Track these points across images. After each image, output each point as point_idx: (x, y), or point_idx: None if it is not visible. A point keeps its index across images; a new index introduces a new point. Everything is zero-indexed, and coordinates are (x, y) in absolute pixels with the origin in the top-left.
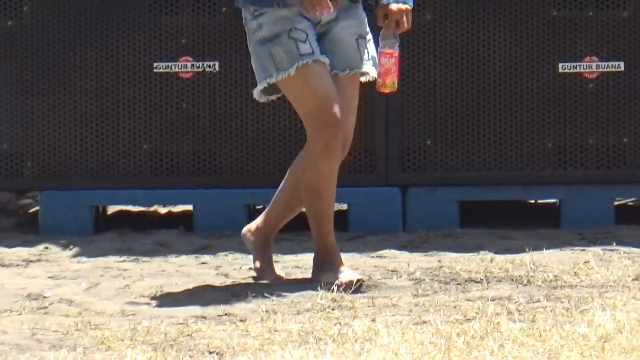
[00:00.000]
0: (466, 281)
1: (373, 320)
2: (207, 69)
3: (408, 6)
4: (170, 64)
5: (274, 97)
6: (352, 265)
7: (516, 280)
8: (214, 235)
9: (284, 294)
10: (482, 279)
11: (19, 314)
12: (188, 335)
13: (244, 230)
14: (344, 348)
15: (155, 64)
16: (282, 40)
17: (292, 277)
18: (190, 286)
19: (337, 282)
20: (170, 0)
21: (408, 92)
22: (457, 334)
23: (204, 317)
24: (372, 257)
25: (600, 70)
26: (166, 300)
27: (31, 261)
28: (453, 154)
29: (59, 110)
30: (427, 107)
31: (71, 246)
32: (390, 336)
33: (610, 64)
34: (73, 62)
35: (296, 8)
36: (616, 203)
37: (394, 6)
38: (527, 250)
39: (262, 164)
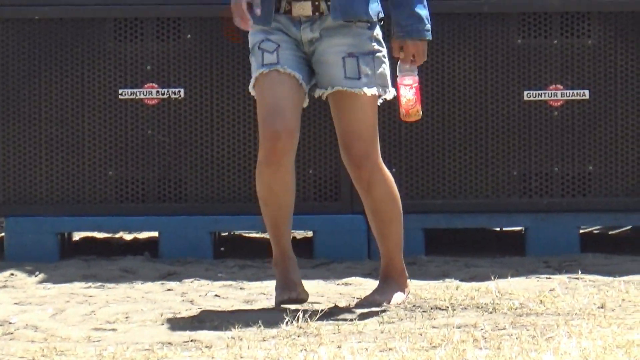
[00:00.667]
0: (432, 308)
1: (339, 347)
2: (173, 96)
3: (424, 41)
4: (135, 90)
5: None
6: (318, 293)
7: (482, 307)
8: (180, 262)
9: (250, 320)
10: (448, 307)
11: None
12: None
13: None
14: None
15: (120, 91)
16: (254, 51)
17: (258, 303)
18: (156, 312)
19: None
20: (135, 27)
21: None
22: None
23: (170, 343)
24: (338, 284)
25: (565, 98)
26: (132, 326)
27: None
28: (418, 181)
29: (24, 137)
30: (391, 134)
31: (37, 272)
32: None
33: (575, 92)
34: (38, 88)
35: (276, 23)
36: (581, 231)
37: (410, 42)
38: (492, 277)
39: (228, 191)
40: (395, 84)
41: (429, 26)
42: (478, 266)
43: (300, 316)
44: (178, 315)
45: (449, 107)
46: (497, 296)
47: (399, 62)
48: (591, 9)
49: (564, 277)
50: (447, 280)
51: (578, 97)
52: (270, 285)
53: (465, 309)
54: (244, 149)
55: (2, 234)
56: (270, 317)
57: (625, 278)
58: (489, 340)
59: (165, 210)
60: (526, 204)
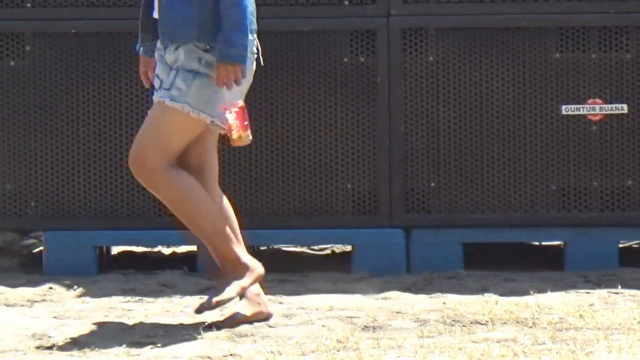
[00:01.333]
0: (471, 323)
1: None
2: None
3: (235, 65)
4: None
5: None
6: (357, 307)
7: (521, 322)
8: (217, 276)
9: (289, 334)
10: (487, 321)
11: (24, 354)
12: None
13: None
14: None
15: None
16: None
17: (296, 318)
18: (195, 327)
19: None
20: None
21: (411, 133)
22: None
23: (209, 358)
24: (377, 298)
25: (604, 112)
26: (171, 340)
27: (35, 301)
28: (457, 195)
29: (62, 150)
30: (430, 148)
31: (75, 286)
32: None
33: (613, 106)
34: (76, 101)
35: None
36: (620, 245)
37: (220, 65)
38: (531, 292)
39: (267, 206)
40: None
41: (242, 52)
42: (517, 281)
43: (339, 330)
44: (217, 329)
45: (488, 121)
46: (536, 311)
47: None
48: (629, 23)
49: (603, 292)
50: (486, 294)
51: (616, 111)
52: (309, 300)
53: (505, 323)
54: (282, 163)
55: (41, 248)
56: (309, 331)
57: None
58: (529, 355)
59: None
60: (565, 219)
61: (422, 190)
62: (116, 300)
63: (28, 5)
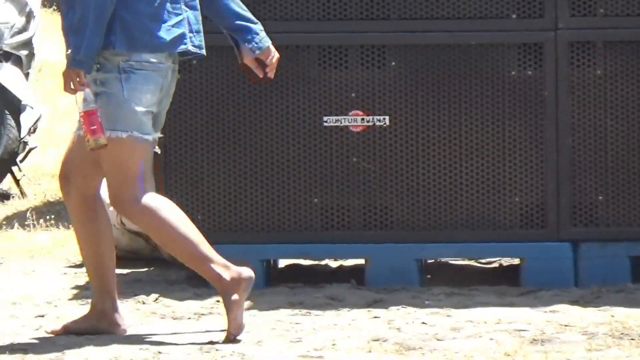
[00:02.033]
0: None
1: None
2: (378, 123)
3: (70, 70)
4: (340, 117)
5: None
6: (525, 320)
7: None
8: (386, 290)
9: (457, 348)
10: None
11: None
12: None
13: None
14: None
15: (325, 118)
16: None
17: (464, 331)
18: (363, 340)
19: None
20: (339, 55)
21: (579, 147)
22: None
23: None
24: (545, 311)
25: None
26: (339, 353)
27: (203, 314)
28: (625, 208)
29: (228, 164)
30: (598, 162)
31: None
32: None
33: None
34: (242, 115)
35: None
36: None
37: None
38: None
39: (434, 218)
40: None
41: (76, 55)
42: None
43: (508, 344)
44: (385, 343)
45: None
46: None
47: None
48: None
49: None
50: None
51: None
52: (476, 313)
53: None
54: (449, 176)
55: None
56: (477, 345)
57: None
58: None
59: (371, 237)
60: None
61: (590, 204)
62: (284, 314)
63: None
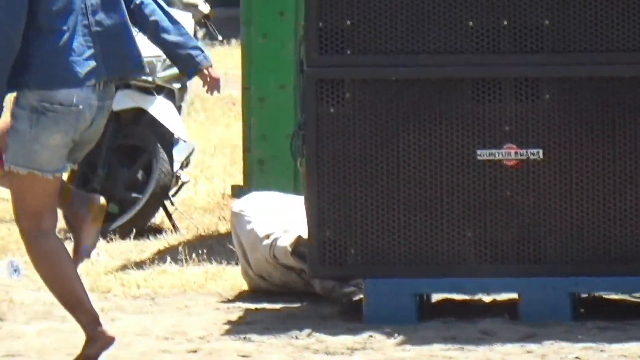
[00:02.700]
0: None
1: None
2: (531, 157)
3: None
4: (494, 151)
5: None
6: None
7: None
8: (539, 324)
9: None
10: None
11: None
12: None
13: None
14: None
15: (478, 152)
16: None
17: None
18: None
19: None
20: (493, 88)
21: None
22: None
23: None
24: None
25: None
26: None
27: (356, 349)
28: None
29: (381, 197)
30: None
31: (396, 334)
32: None
33: None
34: (395, 148)
35: None
36: None
37: None
38: None
39: (588, 252)
40: None
41: None
42: None
43: None
44: None
45: None
46: None
47: None
48: None
49: None
50: None
51: None
52: (632, 348)
53: None
54: (603, 209)
55: (361, 296)
56: None
57: None
58: None
59: (524, 271)
60: None
61: None
62: (437, 348)
63: (348, 52)
